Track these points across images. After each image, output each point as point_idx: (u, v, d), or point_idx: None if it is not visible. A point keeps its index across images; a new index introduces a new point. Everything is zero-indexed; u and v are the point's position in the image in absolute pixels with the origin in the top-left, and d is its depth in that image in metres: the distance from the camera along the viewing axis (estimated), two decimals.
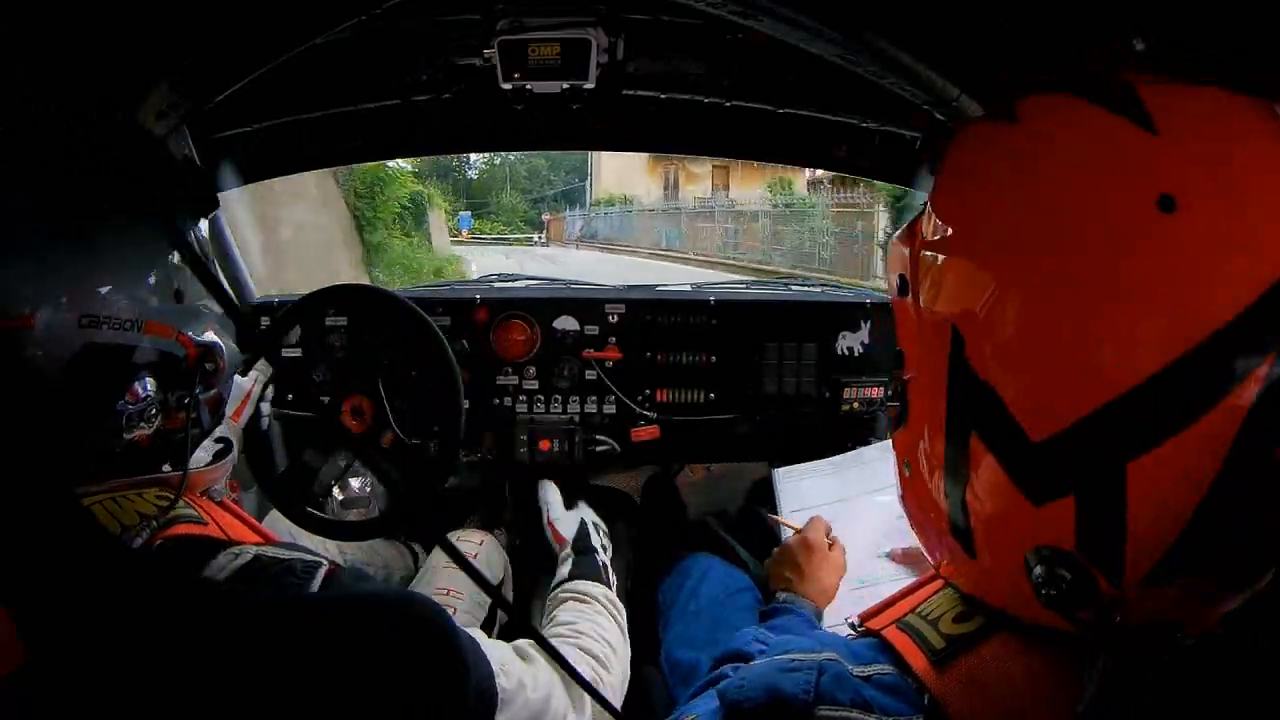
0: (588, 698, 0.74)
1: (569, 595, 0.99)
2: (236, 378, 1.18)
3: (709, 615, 1.21)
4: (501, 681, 0.64)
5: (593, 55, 1.09)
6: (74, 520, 0.55)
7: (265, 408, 1.36)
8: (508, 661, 0.68)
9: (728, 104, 1.21)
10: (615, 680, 0.85)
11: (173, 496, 0.65)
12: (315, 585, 0.58)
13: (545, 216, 23.33)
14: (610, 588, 1.04)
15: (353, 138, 1.44)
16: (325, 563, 0.61)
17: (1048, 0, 0.71)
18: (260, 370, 1.24)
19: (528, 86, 1.13)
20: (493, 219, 23.82)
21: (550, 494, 1.24)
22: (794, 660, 0.57)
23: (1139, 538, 0.43)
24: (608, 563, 1.13)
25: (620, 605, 1.01)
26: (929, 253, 0.51)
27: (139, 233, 0.63)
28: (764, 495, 1.42)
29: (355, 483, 1.39)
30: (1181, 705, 0.45)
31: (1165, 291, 0.40)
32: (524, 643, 0.75)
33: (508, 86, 1.13)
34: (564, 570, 1.05)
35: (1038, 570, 0.45)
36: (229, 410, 1.15)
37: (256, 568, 0.57)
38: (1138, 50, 0.56)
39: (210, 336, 0.68)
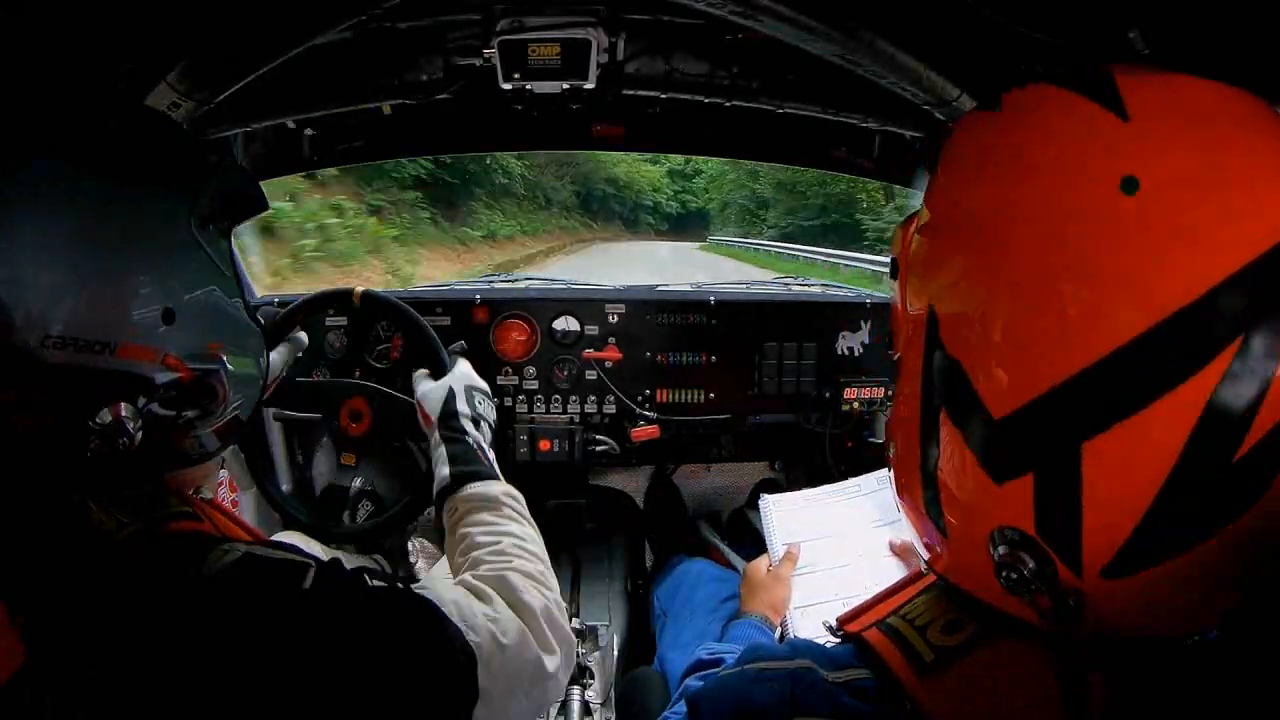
0: (554, 635, 0.70)
1: (472, 505, 0.85)
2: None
3: (699, 622, 1.21)
4: (471, 637, 0.63)
5: (593, 55, 1.09)
6: (70, 517, 0.55)
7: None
8: (470, 612, 0.65)
9: (728, 104, 1.21)
10: (556, 594, 0.76)
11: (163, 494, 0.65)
12: (307, 584, 0.59)
13: None
14: (499, 476, 0.90)
15: (353, 138, 1.44)
16: (314, 563, 0.61)
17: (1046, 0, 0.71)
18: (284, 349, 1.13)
19: (528, 87, 1.13)
20: None
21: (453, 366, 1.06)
22: (765, 669, 0.56)
23: (1096, 523, 0.42)
24: (482, 440, 0.95)
25: (519, 495, 0.88)
26: (916, 234, 0.53)
27: (126, 247, 0.57)
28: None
29: (355, 483, 1.39)
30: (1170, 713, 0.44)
31: (1123, 273, 0.40)
32: (472, 580, 0.71)
33: (508, 87, 1.12)
34: (442, 470, 0.90)
35: (1000, 550, 0.46)
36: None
37: (247, 563, 0.57)
38: (1136, 46, 0.57)
39: (208, 364, 0.64)
